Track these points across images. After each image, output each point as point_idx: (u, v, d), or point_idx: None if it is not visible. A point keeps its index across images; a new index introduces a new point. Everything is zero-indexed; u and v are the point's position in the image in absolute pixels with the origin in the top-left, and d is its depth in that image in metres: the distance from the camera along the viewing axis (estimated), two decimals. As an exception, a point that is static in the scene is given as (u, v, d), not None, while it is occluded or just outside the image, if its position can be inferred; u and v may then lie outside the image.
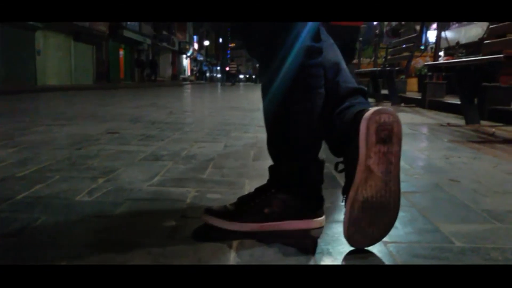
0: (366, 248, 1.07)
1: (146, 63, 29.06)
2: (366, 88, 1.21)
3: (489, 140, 3.07)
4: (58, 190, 1.56)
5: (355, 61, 11.38)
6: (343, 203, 1.08)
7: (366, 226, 1.04)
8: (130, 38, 26.50)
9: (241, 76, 68.28)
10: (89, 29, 20.75)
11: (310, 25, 1.11)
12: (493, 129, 3.65)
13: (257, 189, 1.23)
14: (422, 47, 11.88)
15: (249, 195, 1.24)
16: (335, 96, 1.17)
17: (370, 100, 7.40)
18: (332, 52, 1.25)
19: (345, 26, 2.86)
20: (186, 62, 47.01)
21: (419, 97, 6.90)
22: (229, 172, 1.91)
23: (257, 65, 1.23)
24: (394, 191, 1.03)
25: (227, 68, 35.10)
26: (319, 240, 1.14)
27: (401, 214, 1.21)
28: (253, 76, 62.49)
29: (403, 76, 9.23)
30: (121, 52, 26.69)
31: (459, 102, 4.27)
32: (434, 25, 11.41)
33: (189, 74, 47.29)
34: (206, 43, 57.98)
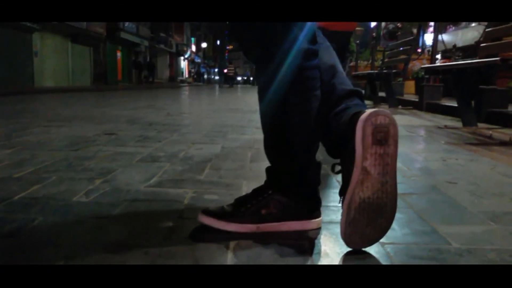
0: (363, 249, 1.08)
1: (144, 65, 29.05)
2: (362, 90, 1.21)
3: (486, 142, 3.08)
4: (55, 191, 1.56)
5: (352, 63, 11.42)
6: (340, 204, 1.08)
7: (363, 227, 1.04)
8: (128, 40, 26.49)
9: (239, 78, 68.37)
10: (86, 30, 20.72)
11: (307, 28, 1.12)
12: (490, 132, 3.66)
13: (254, 190, 1.23)
14: (419, 50, 11.92)
15: (246, 196, 1.24)
16: (332, 98, 1.17)
17: (368, 102, 7.42)
18: (328, 55, 1.25)
19: (337, 32, 2.89)
20: (183, 64, 47.03)
21: (417, 100, 6.91)
22: (226, 173, 1.91)
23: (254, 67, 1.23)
24: (390, 192, 1.03)
25: (225, 71, 35.12)
26: (316, 241, 1.14)
27: (398, 215, 1.21)
28: (251, 78, 62.57)
29: (401, 79, 9.25)
30: (119, 54, 26.67)
31: (456, 105, 4.29)
32: (431, 28, 11.45)
33: (186, 76, 47.30)
34: (204, 45, 58.05)
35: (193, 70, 50.89)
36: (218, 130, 3.58)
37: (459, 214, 1.38)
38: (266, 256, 1.03)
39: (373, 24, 14.32)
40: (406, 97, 8.50)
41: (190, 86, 30.91)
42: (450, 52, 9.75)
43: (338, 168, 1.11)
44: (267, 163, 1.24)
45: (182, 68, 46.21)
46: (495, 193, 1.64)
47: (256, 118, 4.70)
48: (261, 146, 1.25)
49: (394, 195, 1.04)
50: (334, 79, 1.20)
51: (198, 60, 54.51)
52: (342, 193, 1.08)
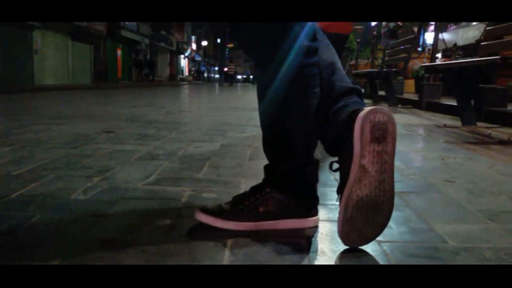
0: (361, 247, 1.08)
1: (145, 63, 29.02)
2: (361, 88, 1.21)
3: (485, 141, 3.08)
4: (53, 189, 1.56)
5: (352, 62, 11.40)
6: (337, 203, 1.08)
7: (361, 225, 1.04)
8: (128, 38, 26.47)
9: (239, 77, 68.36)
10: (87, 28, 20.70)
11: (307, 26, 1.12)
12: (489, 131, 3.66)
13: (252, 188, 1.23)
14: (420, 49, 11.90)
15: (244, 194, 1.24)
16: (331, 95, 1.17)
17: (368, 101, 7.41)
18: (328, 52, 1.25)
19: (333, 34, 2.90)
20: (184, 62, 47.00)
21: (416, 99, 6.91)
22: (225, 171, 1.91)
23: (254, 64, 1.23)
24: (388, 190, 1.03)
25: (225, 69, 35.09)
26: (313, 239, 1.14)
27: (395, 213, 1.22)
28: (251, 77, 62.59)
29: (401, 78, 9.24)
30: (119, 52, 26.64)
31: (455, 104, 4.28)
32: (432, 27, 11.43)
33: (187, 74, 47.28)
34: (204, 43, 58.01)
35: (193, 69, 50.85)
36: (217, 129, 3.58)
37: (456, 212, 1.38)
38: (264, 254, 1.03)
39: (374, 22, 14.30)
40: (406, 96, 8.49)
41: (190, 84, 30.90)
42: (450, 51, 9.74)
43: (336, 166, 1.11)
44: (265, 162, 1.24)
45: (183, 66, 46.19)
46: (493, 191, 1.64)
47: (256, 116, 4.69)
48: (260, 145, 1.25)
49: (392, 193, 1.04)
50: (333, 77, 1.20)
51: (198, 58, 54.47)
52: (340, 191, 1.08)
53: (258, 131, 1.23)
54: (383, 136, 1.01)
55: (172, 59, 39.76)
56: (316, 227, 1.21)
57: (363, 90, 1.23)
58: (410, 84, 9.85)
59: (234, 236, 1.13)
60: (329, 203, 1.44)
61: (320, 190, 1.24)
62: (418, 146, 2.85)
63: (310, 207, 1.21)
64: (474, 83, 4.09)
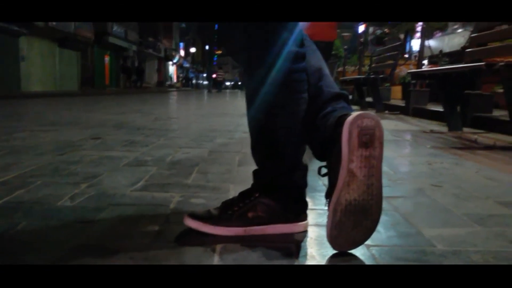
0: (349, 251, 1.08)
1: (133, 70, 28.89)
2: (348, 93, 1.22)
3: (471, 146, 3.12)
4: (39, 195, 1.54)
5: (340, 69, 11.48)
6: (326, 208, 1.09)
7: (349, 229, 1.05)
8: (116, 45, 26.33)
9: (227, 83, 68.42)
10: (74, 35, 20.54)
11: (296, 32, 1.13)
12: (475, 136, 3.70)
13: (241, 194, 1.23)
14: (406, 56, 12.03)
15: (233, 199, 1.24)
16: (318, 100, 1.18)
17: (355, 107, 7.46)
18: (315, 58, 1.26)
19: (317, 41, 2.94)
20: (172, 69, 46.92)
21: (403, 105, 6.98)
22: (213, 177, 1.91)
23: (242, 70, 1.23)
24: (376, 194, 1.04)
25: (214, 76, 35.08)
26: (302, 244, 1.14)
27: (384, 218, 1.22)
28: (239, 83, 62.62)
29: (388, 84, 9.32)
30: (107, 59, 26.50)
31: (442, 110, 4.33)
32: (418, 34, 11.58)
33: (175, 81, 47.19)
34: (193, 50, 57.99)
35: (181, 75, 50.78)
36: (206, 135, 3.57)
37: (444, 216, 1.39)
38: (253, 259, 1.03)
39: (361, 29, 14.45)
40: (393, 102, 8.57)
41: (179, 91, 30.83)
42: (436, 58, 9.86)
43: (325, 170, 1.11)
44: (254, 167, 1.24)
45: (171, 73, 46.10)
46: (480, 196, 1.66)
47: (244, 122, 4.69)
48: (248, 150, 1.25)
49: (380, 197, 1.05)
50: (320, 82, 1.21)
51: (186, 65, 54.44)
52: (328, 195, 1.08)
53: (247, 137, 1.23)
54: (370, 140, 1.02)
55: (160, 65, 39.66)
56: (305, 231, 1.21)
57: (350, 97, 1.24)
58: (397, 91, 9.94)
59: (223, 241, 1.13)
60: (318, 207, 1.45)
61: (308, 195, 1.24)
62: (405, 152, 2.88)
63: (299, 212, 1.21)
64: (460, 89, 4.14)
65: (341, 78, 9.80)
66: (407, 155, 2.72)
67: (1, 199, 1.48)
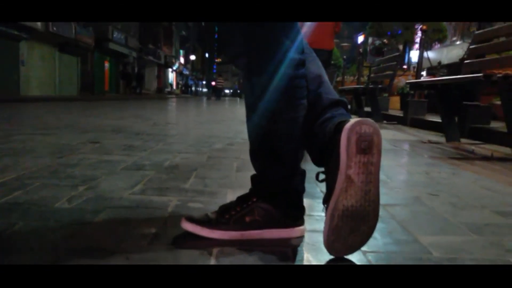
0: (346, 257, 1.08)
1: (132, 76, 28.93)
2: (347, 100, 1.23)
3: (468, 157, 3.13)
4: (37, 197, 1.54)
5: (339, 78, 11.53)
6: (323, 213, 1.09)
7: (346, 235, 1.05)
8: (116, 51, 26.38)
9: (227, 91, 68.59)
10: (74, 40, 20.58)
11: (297, 40, 1.14)
12: (473, 147, 3.71)
13: (238, 198, 1.24)
14: (405, 67, 12.10)
15: (231, 203, 1.24)
16: (317, 107, 1.19)
17: (353, 116, 7.48)
18: (315, 65, 1.27)
19: (315, 49, 2.97)
20: (172, 75, 47.02)
21: (401, 115, 7.00)
22: (211, 182, 1.91)
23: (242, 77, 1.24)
24: (373, 200, 1.04)
25: (213, 83, 35.16)
26: (299, 249, 1.14)
27: (380, 225, 1.23)
28: (238, 91, 62.75)
29: (386, 94, 9.37)
30: (107, 65, 26.55)
31: (440, 120, 4.35)
32: (417, 45, 11.65)
33: (174, 87, 47.27)
34: (193, 57, 58.18)
35: (181, 82, 50.90)
36: (204, 141, 3.57)
37: (440, 225, 1.40)
38: (249, 263, 1.03)
39: (360, 40, 14.54)
40: (391, 112, 8.59)
41: (178, 97, 30.87)
42: (435, 69, 9.91)
43: (323, 176, 1.12)
44: (252, 173, 1.24)
45: (170, 80, 46.19)
46: (476, 205, 1.66)
47: (243, 129, 4.71)
48: (247, 157, 1.26)
49: (377, 203, 1.05)
50: (320, 89, 1.22)
51: (186, 72, 54.58)
52: (326, 201, 1.08)
53: (246, 144, 1.24)
54: (369, 147, 1.02)
55: (160, 72, 39.75)
56: (302, 237, 1.21)
57: (349, 106, 1.25)
58: (395, 101, 9.98)
59: (220, 245, 1.13)
60: (315, 213, 1.45)
61: (306, 200, 1.25)
62: (403, 161, 2.88)
63: (296, 217, 1.21)
64: (458, 100, 4.17)
65: (340, 88, 9.83)
66: (404, 164, 2.73)
67: (-2, 200, 1.48)
